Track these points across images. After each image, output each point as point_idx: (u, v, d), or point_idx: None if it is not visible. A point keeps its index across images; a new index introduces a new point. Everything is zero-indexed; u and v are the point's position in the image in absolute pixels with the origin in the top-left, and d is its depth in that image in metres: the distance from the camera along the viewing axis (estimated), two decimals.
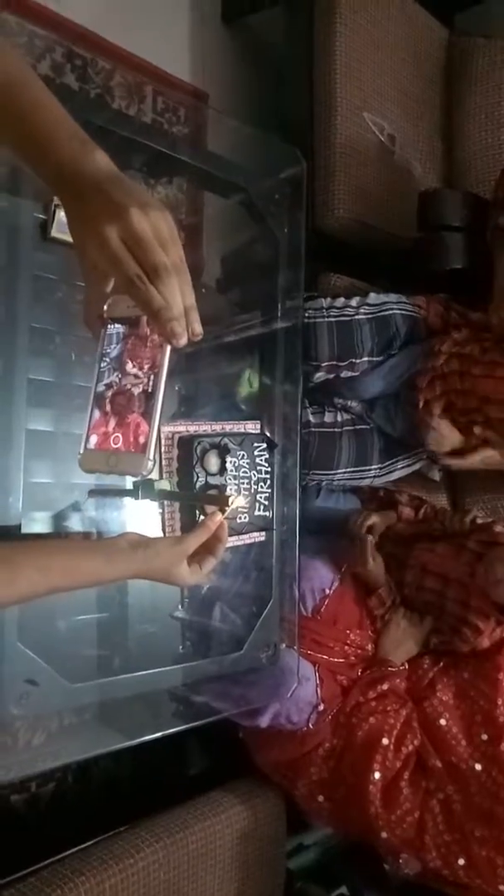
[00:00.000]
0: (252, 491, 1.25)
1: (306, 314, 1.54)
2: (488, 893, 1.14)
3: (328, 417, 1.60)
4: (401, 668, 1.35)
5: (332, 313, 1.55)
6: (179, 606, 1.34)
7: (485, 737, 1.20)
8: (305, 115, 1.76)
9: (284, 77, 1.83)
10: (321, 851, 1.77)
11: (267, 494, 1.28)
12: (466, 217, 1.62)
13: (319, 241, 1.74)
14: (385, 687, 1.30)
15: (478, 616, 1.33)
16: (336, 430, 1.59)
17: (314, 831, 1.77)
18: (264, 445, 1.28)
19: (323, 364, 1.54)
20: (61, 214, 1.10)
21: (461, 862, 1.13)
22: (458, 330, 1.57)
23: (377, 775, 1.19)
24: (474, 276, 1.64)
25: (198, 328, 0.61)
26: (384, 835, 1.19)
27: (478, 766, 1.17)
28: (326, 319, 1.54)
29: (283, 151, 1.49)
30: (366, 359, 1.56)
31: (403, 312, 1.58)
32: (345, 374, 1.58)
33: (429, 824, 1.16)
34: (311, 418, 1.60)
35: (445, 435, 1.56)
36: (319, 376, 1.58)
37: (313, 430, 1.58)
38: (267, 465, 1.28)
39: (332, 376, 1.59)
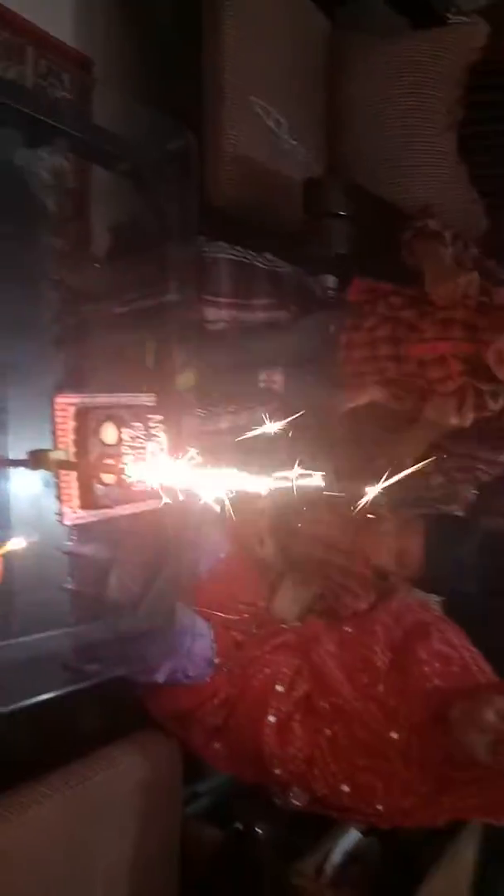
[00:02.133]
0: (148, 461, 1.32)
1: (206, 250, 1.60)
2: (366, 812, 1.31)
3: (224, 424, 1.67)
4: (294, 624, 1.49)
5: (233, 253, 1.61)
6: (69, 577, 1.40)
7: (365, 680, 1.36)
8: (194, 95, 1.81)
9: (173, 55, 1.86)
10: (214, 797, 1.90)
11: (160, 463, 1.34)
12: (349, 206, 1.73)
13: (211, 218, 1.80)
14: (278, 641, 1.43)
15: (358, 584, 1.48)
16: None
17: (206, 780, 1.89)
18: (160, 417, 1.34)
19: (223, 300, 1.60)
20: None
21: (345, 788, 1.28)
22: (391, 296, 1.65)
23: (272, 719, 1.32)
24: (355, 261, 1.77)
25: None
26: (278, 771, 1.32)
27: (359, 705, 1.33)
28: (228, 256, 1.60)
29: (173, 128, 1.53)
30: (265, 300, 1.65)
31: (296, 275, 1.69)
32: (245, 316, 1.65)
33: (318, 758, 1.31)
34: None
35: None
36: (217, 318, 1.63)
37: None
38: (163, 436, 1.34)
39: (228, 320, 1.64)
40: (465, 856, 1.71)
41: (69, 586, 1.36)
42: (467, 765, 1.23)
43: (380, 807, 1.26)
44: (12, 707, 1.19)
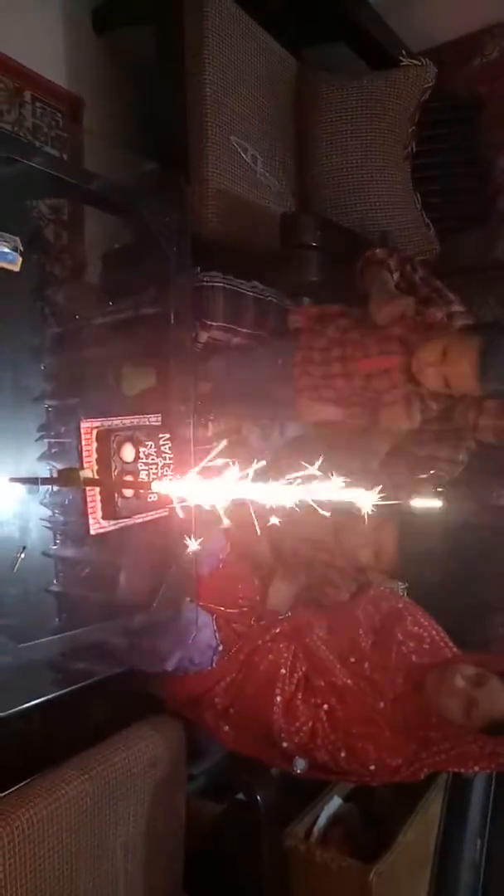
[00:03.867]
0: (159, 475, 1.49)
1: (204, 279, 1.76)
2: (361, 773, 1.52)
3: (210, 431, 1.85)
4: (287, 614, 1.69)
5: (226, 282, 1.79)
6: (54, 580, 1.54)
7: (352, 659, 1.57)
8: (179, 135, 1.97)
9: (158, 98, 2.01)
10: (208, 777, 2.08)
11: (171, 476, 1.52)
12: (320, 237, 1.93)
13: (197, 248, 1.96)
14: (277, 630, 1.63)
15: (339, 575, 1.69)
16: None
17: (201, 763, 2.07)
18: (167, 436, 1.51)
19: (215, 324, 1.77)
20: None
21: (343, 754, 1.48)
22: (340, 318, 1.83)
23: (279, 699, 1.51)
24: (326, 285, 1.97)
25: None
26: (285, 744, 1.51)
27: (350, 682, 1.54)
28: (222, 285, 1.77)
29: (166, 174, 1.70)
30: (246, 330, 1.83)
31: (279, 304, 1.88)
32: (234, 340, 1.83)
33: (319, 730, 1.50)
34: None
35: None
36: (204, 337, 1.80)
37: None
38: (170, 452, 1.51)
39: (216, 338, 1.81)
40: (432, 811, 1.95)
41: (54, 588, 1.52)
42: (441, 725, 1.46)
43: (372, 767, 1.47)
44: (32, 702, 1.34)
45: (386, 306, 1.74)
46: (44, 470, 1.39)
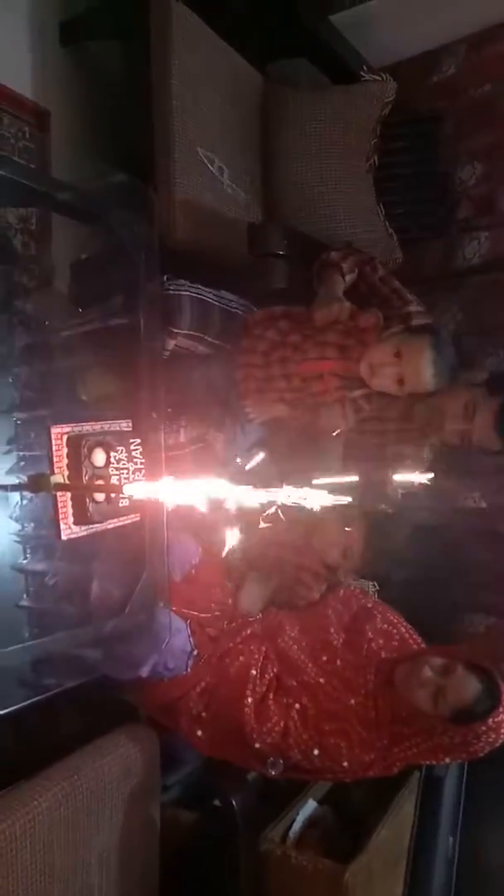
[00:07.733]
0: (130, 479, 1.49)
1: (170, 287, 1.78)
2: (335, 770, 1.53)
3: (182, 437, 1.87)
4: (258, 616, 1.70)
5: (192, 291, 1.81)
6: (24, 595, 1.53)
7: (324, 658, 1.59)
8: (146, 147, 1.99)
9: (124, 110, 2.04)
10: (183, 787, 2.07)
11: (142, 482, 1.52)
12: (286, 246, 1.97)
13: (162, 256, 1.98)
14: (248, 632, 1.64)
15: (309, 576, 1.72)
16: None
17: (174, 773, 2.06)
18: (139, 441, 1.52)
19: (182, 332, 1.79)
20: None
21: (316, 752, 1.50)
22: (281, 320, 1.88)
23: (249, 700, 1.52)
24: (294, 292, 2.00)
25: None
26: (258, 745, 1.52)
27: (322, 680, 1.56)
28: (188, 294, 1.80)
29: (134, 185, 1.72)
30: (211, 339, 1.85)
31: (244, 315, 1.92)
32: (199, 349, 1.85)
33: (291, 729, 1.52)
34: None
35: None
36: (171, 345, 1.82)
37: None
38: (141, 457, 1.52)
39: (182, 346, 1.83)
40: (405, 810, 1.97)
41: (24, 604, 1.51)
42: (412, 719, 1.48)
43: (345, 763, 1.49)
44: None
45: (321, 309, 1.80)
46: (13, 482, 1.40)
